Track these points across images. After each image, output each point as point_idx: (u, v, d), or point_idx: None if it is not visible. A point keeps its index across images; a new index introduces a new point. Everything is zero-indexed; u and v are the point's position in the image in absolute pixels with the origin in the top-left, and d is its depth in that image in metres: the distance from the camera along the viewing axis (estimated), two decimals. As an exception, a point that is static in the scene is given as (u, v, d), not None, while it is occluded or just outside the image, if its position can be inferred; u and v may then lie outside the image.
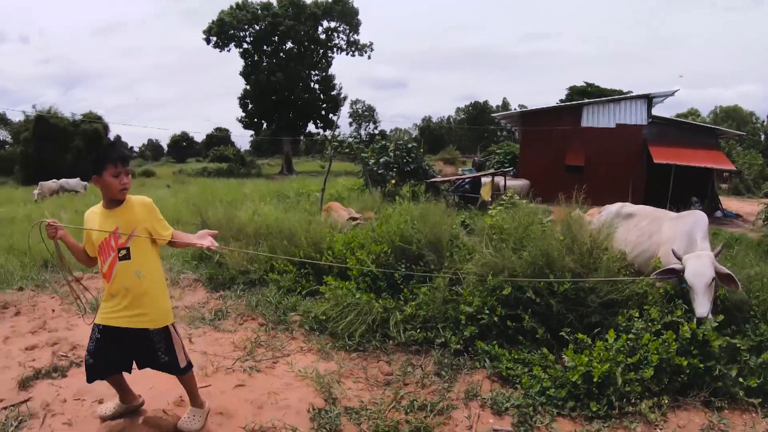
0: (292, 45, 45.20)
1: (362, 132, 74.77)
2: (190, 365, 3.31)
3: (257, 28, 44.20)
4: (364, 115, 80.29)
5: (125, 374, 3.39)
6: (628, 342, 3.85)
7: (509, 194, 7.21)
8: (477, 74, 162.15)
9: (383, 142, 16.64)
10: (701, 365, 3.66)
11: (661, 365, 3.67)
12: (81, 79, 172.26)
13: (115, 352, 3.12)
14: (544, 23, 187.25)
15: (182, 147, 69.36)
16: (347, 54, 47.67)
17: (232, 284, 6.75)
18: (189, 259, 8.09)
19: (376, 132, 62.64)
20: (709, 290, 4.00)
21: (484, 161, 24.44)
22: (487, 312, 4.50)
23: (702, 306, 3.91)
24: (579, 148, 18.26)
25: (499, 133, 53.75)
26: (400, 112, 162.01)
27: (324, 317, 5.13)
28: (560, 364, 3.93)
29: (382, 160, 15.05)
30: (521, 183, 17.75)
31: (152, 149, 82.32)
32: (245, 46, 45.05)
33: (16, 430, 3.42)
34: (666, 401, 3.56)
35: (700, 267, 4.06)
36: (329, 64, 47.84)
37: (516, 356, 4.16)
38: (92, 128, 36.85)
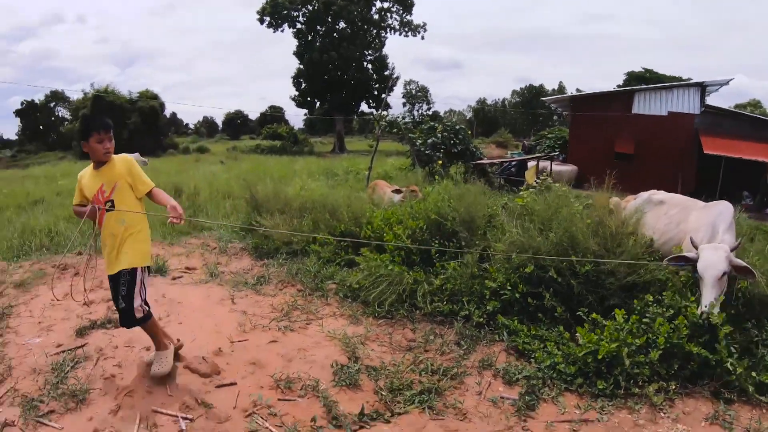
0: (344, 25, 45.26)
1: (415, 113, 74.80)
2: (145, 318, 3.62)
3: (310, 8, 44.53)
4: (417, 95, 79.78)
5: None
6: (638, 324, 3.91)
7: (543, 178, 7.28)
8: (534, 56, 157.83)
9: (432, 123, 16.76)
10: (711, 355, 3.65)
11: (671, 350, 3.72)
12: (138, 58, 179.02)
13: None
14: (605, 4, 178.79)
15: (237, 124, 71.16)
16: (400, 34, 47.42)
17: (276, 254, 7.17)
18: (237, 230, 8.56)
19: (429, 113, 62.45)
20: (718, 284, 3.95)
21: (534, 145, 24.06)
22: (509, 288, 4.69)
23: (706, 299, 3.89)
24: (629, 135, 17.68)
25: (555, 118, 52.43)
26: (455, 94, 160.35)
27: (357, 286, 5.46)
28: (574, 342, 4.06)
29: (429, 141, 15.19)
30: (568, 168, 17.46)
31: (207, 126, 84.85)
32: (298, 26, 45.52)
33: (71, 369, 3.95)
34: (673, 387, 3.60)
35: (713, 259, 4.00)
36: (382, 45, 47.73)
37: (534, 332, 4.31)
38: (149, 106, 38.41)
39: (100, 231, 3.60)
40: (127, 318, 3.57)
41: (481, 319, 4.67)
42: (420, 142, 15.32)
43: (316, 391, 3.63)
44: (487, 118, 71.02)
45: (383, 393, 3.59)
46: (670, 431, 3.25)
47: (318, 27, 45.06)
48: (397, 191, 8.69)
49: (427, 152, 14.83)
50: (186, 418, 3.27)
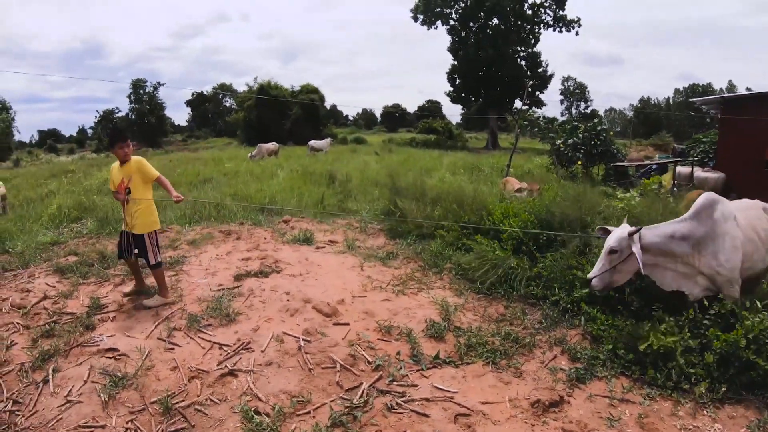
0: (498, 22, 45.95)
1: (573, 110, 72.32)
2: (158, 264, 5.51)
3: (463, 5, 46.02)
4: (575, 92, 77.21)
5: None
6: (691, 324, 4.31)
7: (684, 184, 7.44)
8: (701, 51, 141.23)
9: (575, 123, 16.78)
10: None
11: (727, 357, 3.97)
12: (300, 53, 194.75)
13: (123, 246, 5.49)
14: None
15: (394, 117, 74.79)
16: (554, 30, 46.70)
17: (408, 235, 8.22)
18: (378, 214, 9.83)
19: (587, 111, 60.15)
20: (606, 258, 4.53)
21: (685, 149, 22.39)
22: None
23: (594, 268, 4.58)
24: None
25: (707, 120, 47.43)
26: (615, 91, 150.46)
27: (468, 266, 6.35)
28: (635, 333, 4.48)
29: (570, 141, 15.33)
30: (714, 176, 16.11)
31: (365, 118, 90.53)
32: (452, 23, 47.21)
33: (228, 301, 5.39)
34: (724, 389, 3.85)
35: (610, 235, 4.59)
36: (536, 41, 47.56)
37: (610, 321, 4.74)
38: (309, 98, 42.38)
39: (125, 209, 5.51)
40: (147, 263, 5.51)
41: (568, 305, 5.29)
42: (560, 141, 15.51)
43: (408, 337, 4.67)
44: (648, 119, 66.35)
45: (461, 346, 4.52)
46: (706, 428, 3.57)
47: (471, 24, 46.32)
48: (520, 189, 9.37)
49: (568, 153, 15.02)
50: (305, 339, 4.51)
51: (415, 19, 47.36)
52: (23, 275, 6.57)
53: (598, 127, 15.80)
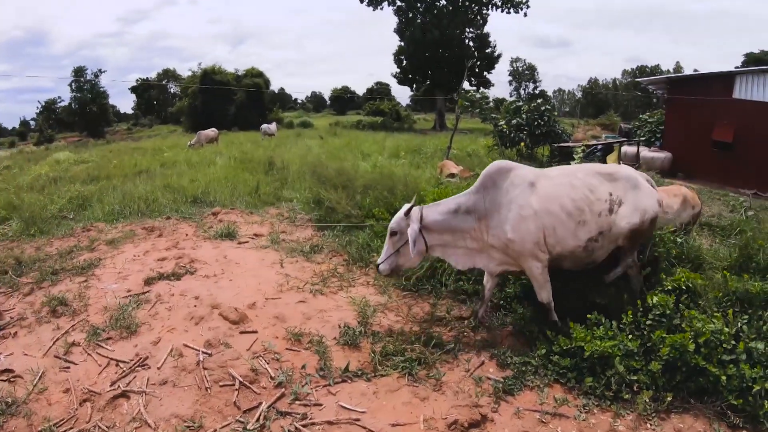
0: (445, 2, 45.56)
1: (522, 91, 73.28)
2: None
3: None
4: (524, 74, 78.12)
5: None
6: (633, 327, 3.96)
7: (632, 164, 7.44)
8: (649, 35, 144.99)
9: (518, 103, 16.77)
10: (720, 372, 3.51)
11: (675, 363, 3.64)
12: (248, 37, 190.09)
13: None
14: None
15: (343, 100, 73.79)
16: (502, 11, 46.77)
17: (336, 226, 7.94)
18: (308, 203, 9.49)
19: (536, 92, 61.17)
20: (389, 241, 4.48)
21: (632, 129, 22.91)
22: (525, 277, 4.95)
23: (382, 253, 4.52)
24: (728, 122, 16.22)
25: (654, 101, 49.28)
26: (564, 73, 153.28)
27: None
28: (566, 336, 4.12)
29: (513, 122, 15.31)
30: (661, 155, 16.49)
31: (314, 101, 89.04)
32: (398, 3, 46.47)
33: (133, 309, 5.01)
34: (669, 398, 3.53)
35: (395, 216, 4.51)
36: (485, 22, 47.57)
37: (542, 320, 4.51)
38: (253, 83, 41.23)
39: None
40: None
41: (501, 302, 5.06)
42: (503, 122, 15.48)
43: (319, 345, 4.33)
44: (596, 99, 68.20)
45: (376, 355, 4.15)
46: (650, 444, 3.29)
47: (418, 4, 45.68)
48: (452, 175, 9.23)
49: (510, 134, 15.02)
50: (205, 353, 4.15)
51: (361, 0, 46.53)
52: (-71, 286, 6.02)
53: (542, 107, 15.80)
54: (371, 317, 4.87)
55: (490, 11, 46.96)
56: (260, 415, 3.44)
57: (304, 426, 3.35)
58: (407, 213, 4.40)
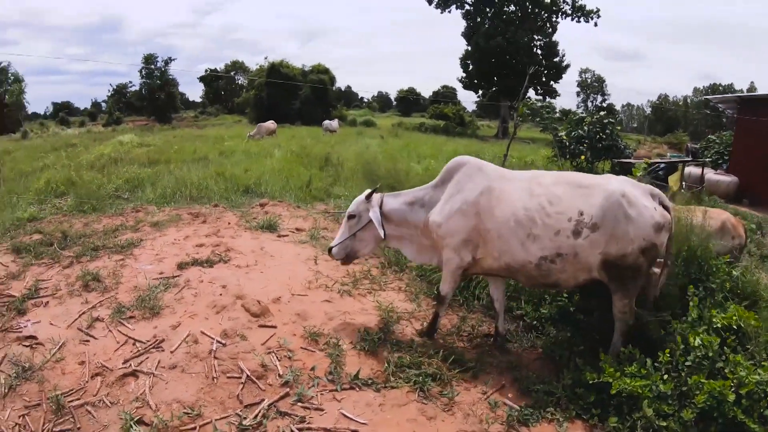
0: (514, 8, 45.27)
1: (589, 103, 71.53)
2: None
3: None
4: (593, 85, 76.10)
5: None
6: (671, 367, 3.59)
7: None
8: (724, 52, 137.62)
9: (581, 115, 16.24)
10: (761, 430, 3.15)
11: (711, 413, 3.29)
12: (317, 34, 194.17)
13: None
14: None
15: (409, 101, 74.20)
16: (572, 19, 45.81)
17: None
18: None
19: (604, 104, 59.71)
20: (345, 225, 4.52)
21: (700, 149, 21.73)
22: (565, 296, 4.80)
23: (336, 237, 4.55)
24: None
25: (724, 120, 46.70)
26: (633, 87, 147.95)
27: (428, 267, 5.89)
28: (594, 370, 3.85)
29: (574, 133, 14.81)
30: (726, 179, 15.52)
31: (380, 101, 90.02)
32: (466, 7, 46.50)
33: (161, 292, 5.14)
34: None
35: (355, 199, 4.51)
36: (554, 30, 46.75)
37: (574, 347, 4.25)
38: (319, 79, 42.07)
39: None
40: None
41: (534, 322, 4.84)
42: (564, 133, 15.01)
43: (335, 348, 4.27)
44: (665, 116, 65.69)
45: (390, 365, 4.03)
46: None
47: (486, 9, 45.54)
48: None
49: (571, 145, 14.53)
50: (219, 342, 4.20)
51: (430, 1, 46.71)
52: (-18, 253, 6.45)
53: (605, 120, 15.24)
54: (394, 324, 4.79)
55: (559, 19, 46.26)
56: (260, 412, 3.42)
57: (300, 429, 3.30)
58: (368, 197, 4.36)
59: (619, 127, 16.11)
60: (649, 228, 3.75)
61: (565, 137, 14.86)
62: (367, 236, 4.44)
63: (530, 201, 3.93)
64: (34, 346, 4.23)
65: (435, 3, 46.55)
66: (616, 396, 3.53)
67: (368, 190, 4.45)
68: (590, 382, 3.67)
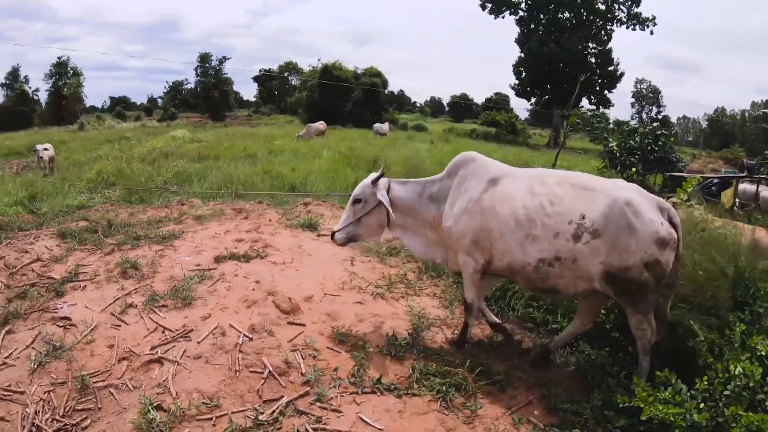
0: (568, 15, 44.99)
1: (643, 115, 69.72)
2: None
3: None
4: (648, 96, 74.02)
5: None
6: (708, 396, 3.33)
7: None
8: None
9: (634, 125, 15.76)
10: None
11: None
12: (372, 37, 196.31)
13: None
14: None
15: (461, 107, 73.94)
16: (627, 27, 45.12)
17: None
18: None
19: (659, 116, 58.28)
20: (350, 209, 4.41)
21: (755, 165, 20.59)
22: (603, 313, 4.54)
23: (340, 221, 4.45)
24: None
25: None
26: (690, 99, 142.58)
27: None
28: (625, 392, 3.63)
29: (626, 144, 14.38)
30: None
31: (433, 106, 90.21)
32: (520, 13, 46.52)
33: (196, 283, 5.23)
34: None
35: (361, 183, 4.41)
36: (609, 38, 46.18)
37: (610, 369, 4.01)
38: (371, 82, 42.42)
39: None
40: None
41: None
42: (614, 144, 14.58)
43: (360, 350, 4.20)
44: (722, 130, 63.19)
45: (414, 373, 3.91)
46: None
47: (540, 15, 45.55)
48: None
49: (622, 157, 14.10)
50: (246, 336, 4.23)
51: (483, 7, 46.94)
52: (31, 236, 6.74)
53: (658, 131, 14.74)
54: (425, 331, 4.69)
55: (614, 27, 45.86)
56: (277, 408, 3.41)
57: (315, 430, 3.27)
58: (375, 181, 4.27)
59: (673, 140, 15.54)
60: (651, 242, 3.51)
61: (616, 148, 14.47)
62: (371, 222, 4.37)
63: (531, 200, 3.80)
64: (67, 327, 4.41)
65: (489, 9, 46.62)
66: (647, 422, 3.30)
67: (375, 174, 4.36)
68: (621, 405, 3.44)
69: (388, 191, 4.28)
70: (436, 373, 3.93)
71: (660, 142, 14.31)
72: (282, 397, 3.54)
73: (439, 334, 4.74)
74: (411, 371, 3.94)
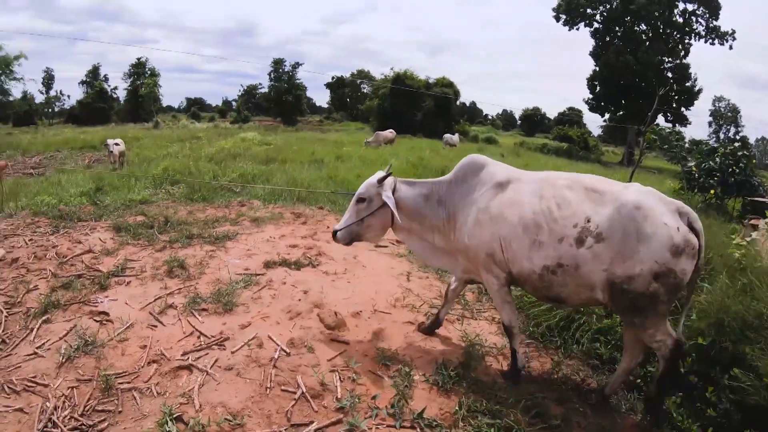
0: (645, 27, 43.42)
1: (721, 134, 66.09)
2: None
3: (608, 6, 43.96)
4: (726, 115, 70.14)
5: None
6: None
7: None
8: None
9: (713, 146, 14.61)
10: None
11: None
12: (446, 47, 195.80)
13: None
14: None
15: (533, 121, 72.61)
16: (705, 41, 42.87)
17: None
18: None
19: (737, 137, 54.89)
20: (353, 208, 4.10)
21: None
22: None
23: (342, 219, 4.13)
24: None
25: None
26: None
27: (527, 300, 5.28)
28: None
29: (705, 165, 13.32)
30: None
31: (505, 119, 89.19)
32: (595, 25, 45.34)
33: (241, 288, 5.06)
34: None
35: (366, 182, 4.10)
36: (686, 52, 43.85)
37: (683, 424, 3.57)
38: (443, 92, 42.13)
39: None
40: None
41: (638, 380, 4.11)
42: (692, 164, 13.55)
43: (404, 377, 3.83)
44: None
45: (461, 410, 3.53)
46: None
47: (616, 28, 44.35)
48: None
49: (700, 178, 13.08)
50: (284, 351, 3.96)
51: (557, 18, 46.09)
52: (87, 227, 6.84)
53: (739, 153, 13.63)
54: (478, 360, 4.25)
55: (692, 41, 43.65)
56: (304, 435, 3.10)
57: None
58: (381, 181, 4.00)
59: (755, 162, 14.34)
60: (664, 250, 3.13)
61: (694, 168, 13.45)
62: (375, 222, 4.09)
63: (540, 204, 3.54)
64: (104, 322, 4.35)
65: (563, 20, 45.75)
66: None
67: (381, 172, 4.11)
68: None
69: (394, 191, 4.05)
70: (485, 412, 3.53)
71: (741, 164, 13.22)
72: (312, 422, 3.24)
73: (494, 364, 4.32)
74: (458, 407, 3.55)
